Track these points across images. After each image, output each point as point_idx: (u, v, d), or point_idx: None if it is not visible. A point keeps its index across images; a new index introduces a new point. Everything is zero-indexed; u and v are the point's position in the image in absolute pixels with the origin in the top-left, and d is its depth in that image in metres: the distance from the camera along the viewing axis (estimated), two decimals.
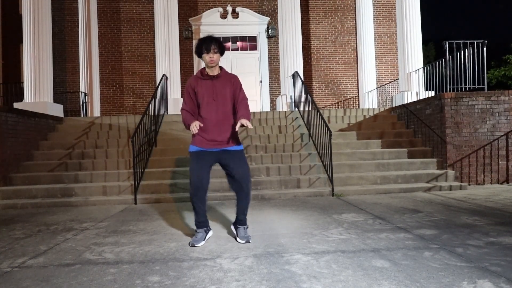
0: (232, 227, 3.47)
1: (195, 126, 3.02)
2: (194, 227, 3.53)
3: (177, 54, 9.97)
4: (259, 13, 13.29)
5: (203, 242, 3.24)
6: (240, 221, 3.34)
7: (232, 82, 3.25)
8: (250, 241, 3.27)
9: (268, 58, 13.32)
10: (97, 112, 12.26)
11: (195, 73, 14.69)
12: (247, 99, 3.29)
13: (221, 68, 3.29)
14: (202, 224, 3.29)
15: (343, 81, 13.60)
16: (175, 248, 3.16)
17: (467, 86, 7.43)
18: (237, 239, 3.31)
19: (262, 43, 13.29)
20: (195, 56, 13.10)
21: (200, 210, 3.21)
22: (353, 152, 7.26)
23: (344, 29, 13.61)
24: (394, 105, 9.90)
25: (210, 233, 3.40)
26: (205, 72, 3.23)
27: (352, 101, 13.59)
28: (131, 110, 13.05)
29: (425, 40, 28.14)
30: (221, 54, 3.20)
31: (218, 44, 3.15)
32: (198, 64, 13.11)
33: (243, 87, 3.33)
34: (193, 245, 3.19)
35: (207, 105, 3.17)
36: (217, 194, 5.89)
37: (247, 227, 3.37)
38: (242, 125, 3.03)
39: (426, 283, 2.23)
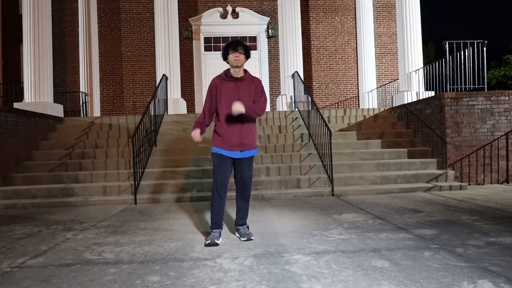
0: (236, 232, 3.54)
1: (195, 134, 3.26)
2: (196, 227, 3.54)
3: (177, 54, 9.97)
4: (259, 13, 13.28)
5: (220, 240, 3.27)
6: (240, 224, 3.45)
7: (255, 86, 3.29)
8: (252, 237, 3.35)
9: (268, 58, 13.32)
10: (97, 112, 12.25)
11: (195, 73, 14.42)
12: (266, 101, 3.31)
13: (245, 71, 3.33)
14: (218, 225, 3.31)
15: (343, 81, 13.60)
16: (175, 248, 3.16)
17: (467, 86, 7.43)
18: (240, 238, 3.38)
19: (262, 43, 13.29)
20: (195, 56, 13.11)
21: (218, 210, 3.27)
22: (353, 152, 7.26)
23: (344, 29, 13.61)
24: (394, 105, 9.90)
25: (221, 239, 3.35)
26: (229, 74, 3.28)
27: (352, 101, 13.59)
28: (131, 110, 13.05)
29: (425, 40, 28.13)
30: (247, 57, 3.26)
31: (243, 46, 3.22)
32: (198, 64, 13.11)
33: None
34: (213, 242, 3.17)
35: (228, 107, 3.19)
36: None
37: (247, 226, 3.47)
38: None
39: (426, 283, 2.23)
